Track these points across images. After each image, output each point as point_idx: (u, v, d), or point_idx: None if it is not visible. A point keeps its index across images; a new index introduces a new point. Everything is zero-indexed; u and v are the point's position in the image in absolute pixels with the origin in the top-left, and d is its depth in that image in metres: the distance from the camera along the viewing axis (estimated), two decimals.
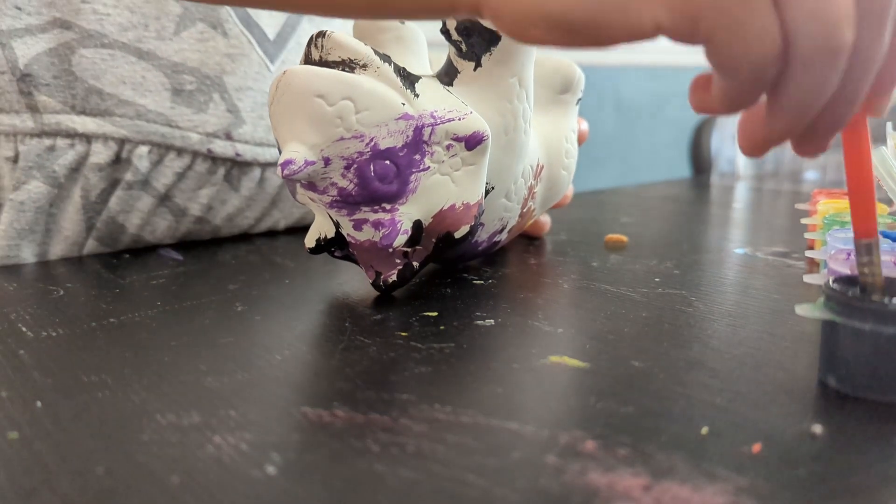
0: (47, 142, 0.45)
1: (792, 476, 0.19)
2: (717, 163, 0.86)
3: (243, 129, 0.51)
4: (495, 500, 0.19)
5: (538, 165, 0.41)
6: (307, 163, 0.31)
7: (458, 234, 0.35)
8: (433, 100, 0.34)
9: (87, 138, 0.46)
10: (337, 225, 0.35)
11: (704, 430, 0.22)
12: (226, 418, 0.23)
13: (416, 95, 0.33)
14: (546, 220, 0.51)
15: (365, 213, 0.33)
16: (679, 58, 2.08)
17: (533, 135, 0.41)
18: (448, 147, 0.34)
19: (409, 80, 0.33)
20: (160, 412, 0.24)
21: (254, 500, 0.19)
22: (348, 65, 0.33)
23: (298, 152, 0.31)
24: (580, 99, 0.45)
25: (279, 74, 0.32)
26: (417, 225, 0.34)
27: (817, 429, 0.22)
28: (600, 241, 0.50)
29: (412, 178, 0.33)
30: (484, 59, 0.36)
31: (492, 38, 0.35)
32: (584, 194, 0.76)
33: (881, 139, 0.69)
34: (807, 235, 0.39)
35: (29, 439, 0.22)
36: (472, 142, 0.34)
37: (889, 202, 0.43)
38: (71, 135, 0.46)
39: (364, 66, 0.33)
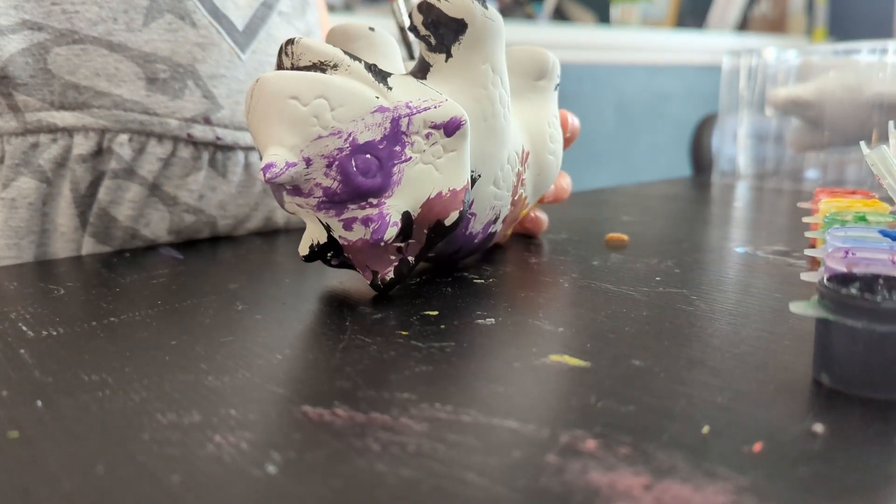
0: (31, 139, 0.46)
1: (793, 475, 0.19)
2: (718, 161, 0.86)
3: (221, 114, 0.51)
4: (496, 499, 0.19)
5: (523, 152, 0.42)
6: (288, 164, 0.31)
7: (448, 222, 0.35)
8: (407, 91, 0.34)
9: (69, 132, 0.47)
10: (328, 228, 0.35)
11: (705, 429, 0.22)
12: (226, 417, 0.23)
13: (390, 88, 0.33)
14: (543, 217, 0.51)
15: (353, 210, 0.33)
16: (680, 57, 2.08)
17: (514, 122, 0.41)
18: (427, 136, 0.34)
19: (380, 75, 0.34)
20: (161, 411, 0.24)
21: (254, 498, 0.19)
22: (319, 67, 0.33)
23: (278, 155, 0.31)
24: (558, 85, 0.45)
25: (252, 83, 0.33)
26: (406, 217, 0.34)
27: (818, 428, 0.22)
28: (601, 239, 0.50)
29: (395, 169, 0.33)
30: (454, 49, 0.36)
31: (459, 27, 0.35)
32: (584, 193, 0.76)
33: (883, 137, 0.69)
34: (808, 234, 0.38)
35: (29, 438, 0.22)
36: (451, 127, 0.34)
37: (890, 201, 0.43)
38: (52, 130, 0.46)
39: (335, 67, 0.33)
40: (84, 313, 0.35)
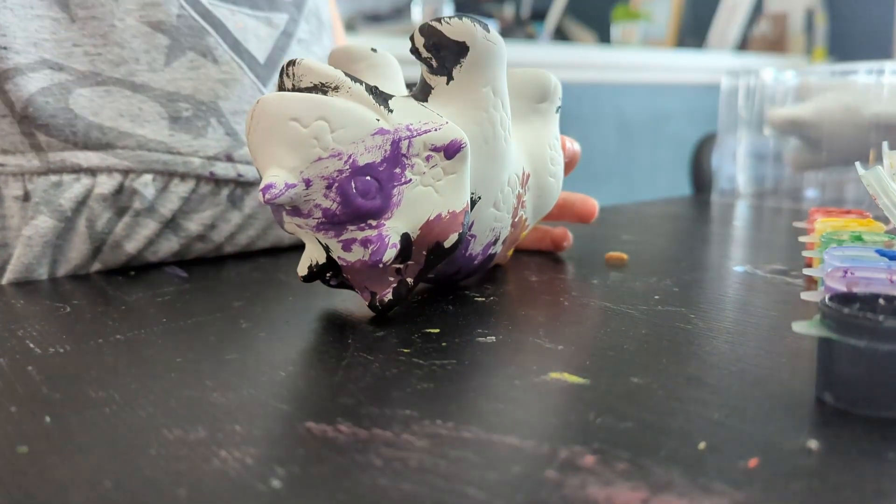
0: (54, 178, 0.46)
1: (787, 490, 0.20)
2: (718, 180, 0.87)
3: (243, 151, 0.51)
4: None
5: (524, 174, 0.42)
6: (288, 186, 0.31)
7: (447, 244, 0.35)
8: (408, 114, 0.34)
9: (92, 172, 0.47)
10: (327, 249, 0.35)
11: (702, 445, 0.22)
12: (231, 433, 0.24)
13: (391, 111, 0.34)
14: (566, 231, 0.52)
15: (352, 232, 0.34)
16: (680, 76, 2.09)
17: (515, 144, 0.41)
18: (427, 158, 0.34)
19: (381, 97, 0.34)
20: (167, 427, 0.24)
21: None
22: (320, 89, 0.33)
23: (278, 176, 0.31)
24: (559, 107, 0.46)
25: (253, 104, 0.33)
26: (406, 238, 0.35)
27: (813, 444, 0.22)
28: (601, 258, 0.50)
29: (395, 191, 0.34)
30: (455, 72, 0.36)
31: (461, 50, 0.36)
32: None
33: (881, 157, 0.69)
34: (805, 253, 0.39)
35: (38, 453, 0.23)
36: (451, 150, 0.35)
37: (885, 220, 0.44)
38: (76, 170, 0.46)
39: (336, 88, 0.33)
40: (90, 331, 0.35)
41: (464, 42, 0.36)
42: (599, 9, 2.36)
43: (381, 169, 0.33)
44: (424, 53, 0.36)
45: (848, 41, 2.35)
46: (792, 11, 2.39)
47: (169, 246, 0.51)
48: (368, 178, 0.33)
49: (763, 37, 2.41)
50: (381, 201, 0.33)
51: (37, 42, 0.45)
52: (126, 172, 0.47)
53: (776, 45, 2.39)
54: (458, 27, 0.35)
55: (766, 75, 0.81)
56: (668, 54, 2.13)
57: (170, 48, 0.48)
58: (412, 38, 0.36)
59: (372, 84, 0.35)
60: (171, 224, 0.50)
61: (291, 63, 0.34)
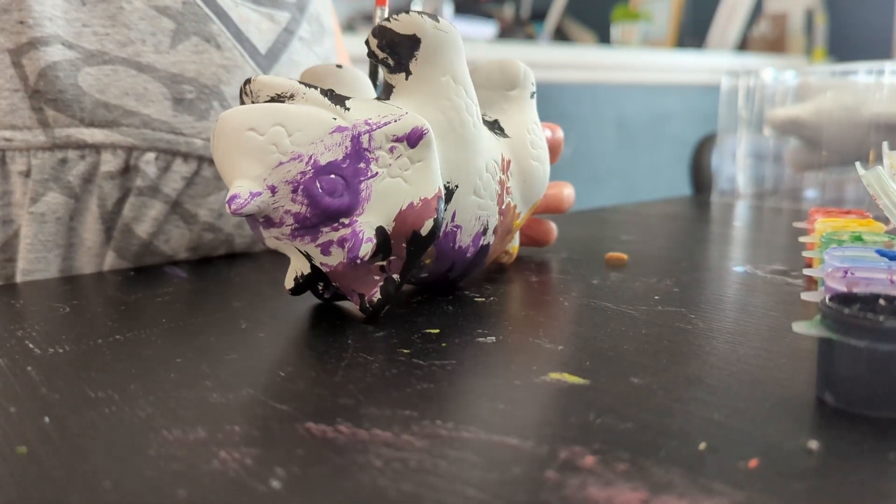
0: (59, 154, 0.47)
1: (788, 490, 0.20)
2: (718, 181, 0.87)
3: None
4: None
5: (503, 160, 0.42)
6: (252, 194, 0.31)
7: (423, 231, 0.35)
8: (365, 110, 0.35)
9: (97, 149, 0.48)
10: (309, 258, 0.35)
11: (702, 445, 0.22)
12: (231, 433, 0.24)
13: (347, 109, 0.34)
14: (552, 225, 0.52)
15: (327, 234, 0.34)
16: (680, 77, 2.09)
17: (489, 132, 0.41)
18: (391, 150, 0.34)
19: (337, 98, 0.34)
20: (166, 427, 0.24)
21: None
22: (277, 100, 0.34)
23: (242, 186, 0.31)
24: (534, 93, 0.46)
25: (215, 123, 0.33)
26: (381, 232, 0.34)
27: (813, 444, 0.22)
28: (601, 258, 0.50)
29: (362, 186, 0.34)
30: (412, 66, 0.37)
31: (413, 44, 0.36)
32: (585, 212, 0.77)
33: (881, 157, 0.69)
34: (805, 254, 0.39)
35: (37, 454, 0.23)
36: (414, 138, 0.35)
37: (885, 220, 0.44)
38: (81, 146, 0.47)
39: (291, 97, 0.34)
40: (90, 331, 0.35)
41: (414, 35, 0.36)
42: (599, 9, 2.36)
43: (344, 166, 0.33)
44: (380, 54, 0.37)
45: (848, 41, 2.35)
46: (792, 12, 2.39)
47: (180, 234, 0.51)
48: (333, 176, 0.33)
49: (763, 37, 2.41)
50: (349, 198, 0.33)
51: (51, 17, 0.46)
52: (130, 150, 0.48)
53: (776, 45, 2.39)
54: (406, 21, 0.36)
55: (765, 75, 0.81)
56: (667, 55, 2.13)
57: (175, 32, 0.50)
58: (367, 43, 0.37)
59: (328, 88, 0.35)
60: (178, 210, 0.51)
61: (248, 81, 0.35)
